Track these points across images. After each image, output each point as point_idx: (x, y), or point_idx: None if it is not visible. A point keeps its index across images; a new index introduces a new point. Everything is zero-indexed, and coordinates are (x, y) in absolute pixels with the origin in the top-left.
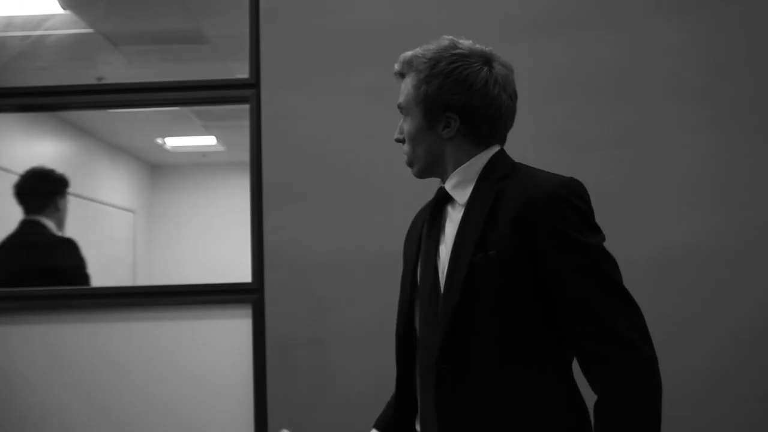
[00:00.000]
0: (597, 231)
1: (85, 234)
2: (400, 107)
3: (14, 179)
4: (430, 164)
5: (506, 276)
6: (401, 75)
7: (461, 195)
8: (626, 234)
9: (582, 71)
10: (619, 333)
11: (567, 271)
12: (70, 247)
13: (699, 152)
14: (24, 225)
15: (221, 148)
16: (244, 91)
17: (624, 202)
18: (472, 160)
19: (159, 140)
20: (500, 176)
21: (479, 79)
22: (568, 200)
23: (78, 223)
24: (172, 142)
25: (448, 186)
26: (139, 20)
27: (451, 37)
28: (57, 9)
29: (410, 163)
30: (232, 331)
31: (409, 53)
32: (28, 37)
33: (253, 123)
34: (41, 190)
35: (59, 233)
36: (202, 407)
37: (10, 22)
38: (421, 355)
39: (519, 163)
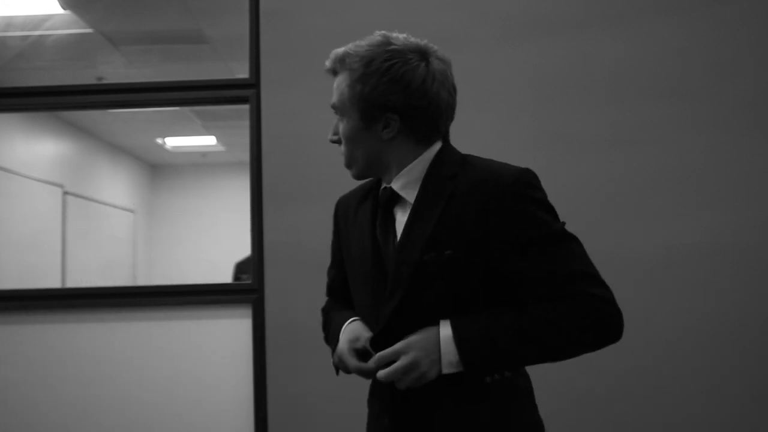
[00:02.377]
0: (556, 216)
1: (85, 234)
2: (333, 107)
3: (14, 179)
4: (369, 165)
5: (459, 274)
6: (333, 72)
7: (411, 194)
8: (626, 234)
9: (582, 71)
10: (596, 277)
11: (535, 253)
12: None
13: (699, 152)
14: None
15: (221, 148)
16: (244, 91)
17: (624, 201)
18: (417, 159)
19: (159, 140)
20: (452, 174)
21: (417, 77)
22: (527, 190)
23: (78, 223)
24: (172, 142)
25: (396, 186)
26: (139, 20)
27: (383, 32)
28: (57, 9)
29: (348, 165)
30: (232, 331)
31: (341, 50)
32: (28, 37)
33: (253, 123)
34: None
35: None
36: (202, 407)
37: (10, 22)
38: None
39: (468, 155)
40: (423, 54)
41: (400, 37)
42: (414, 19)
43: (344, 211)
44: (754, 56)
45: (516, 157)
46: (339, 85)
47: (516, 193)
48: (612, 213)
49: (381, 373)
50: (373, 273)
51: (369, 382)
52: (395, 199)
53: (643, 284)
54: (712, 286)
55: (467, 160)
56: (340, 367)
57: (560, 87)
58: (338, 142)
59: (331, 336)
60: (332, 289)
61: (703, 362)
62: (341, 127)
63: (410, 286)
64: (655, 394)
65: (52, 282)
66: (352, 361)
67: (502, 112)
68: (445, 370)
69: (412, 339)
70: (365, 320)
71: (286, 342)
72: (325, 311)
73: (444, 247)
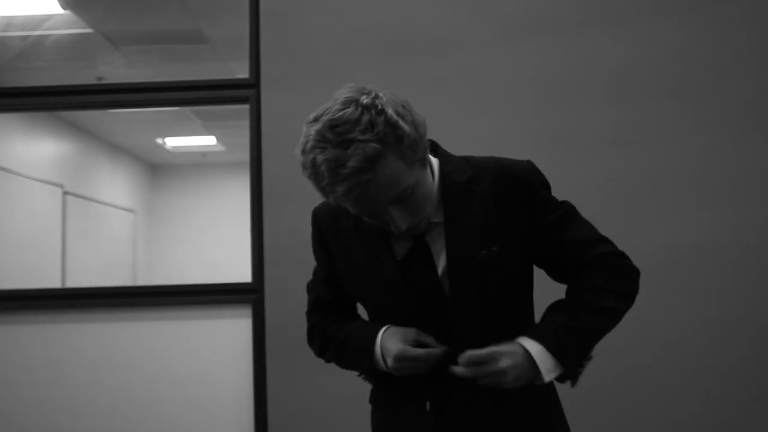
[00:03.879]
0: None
1: (85, 234)
2: (405, 191)
3: (14, 179)
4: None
5: (507, 265)
6: (367, 169)
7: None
8: (626, 234)
9: (582, 71)
10: (602, 237)
11: (560, 230)
12: None
13: (699, 152)
14: None
15: (221, 148)
16: (244, 91)
17: (624, 201)
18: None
19: (159, 140)
20: (467, 178)
21: (394, 96)
22: (538, 178)
23: (78, 223)
24: (172, 142)
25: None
26: (139, 20)
27: (332, 109)
28: (57, 9)
29: (426, 225)
30: (232, 331)
31: (351, 161)
32: (28, 37)
33: (253, 123)
34: None
35: None
36: (202, 406)
37: (10, 22)
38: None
39: (465, 156)
40: (374, 94)
41: (342, 98)
42: (414, 19)
43: (330, 222)
44: (754, 56)
45: (516, 157)
46: (391, 168)
47: (533, 184)
48: (612, 213)
49: (470, 370)
50: (395, 277)
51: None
52: None
53: (643, 284)
54: (712, 286)
55: (471, 162)
56: (401, 369)
57: (560, 87)
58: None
59: (357, 350)
60: (323, 305)
61: (703, 362)
62: (416, 198)
63: (472, 282)
64: (655, 394)
65: (52, 282)
66: (420, 351)
67: (502, 112)
68: (548, 378)
69: (502, 349)
70: (395, 322)
71: (286, 342)
72: (323, 328)
73: (490, 245)
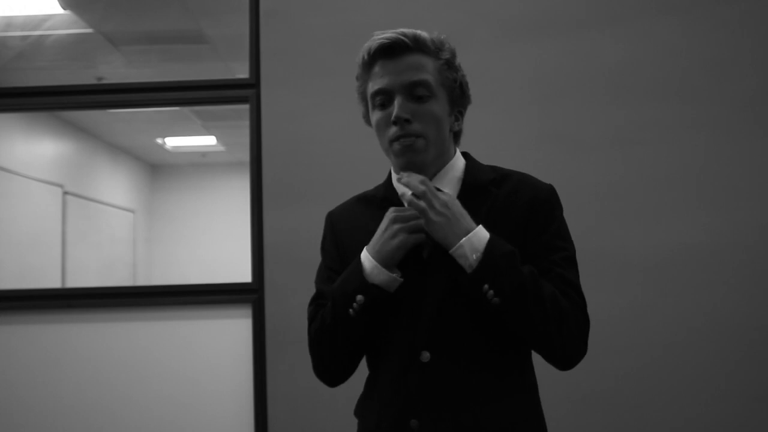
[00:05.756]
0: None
1: (85, 234)
2: (420, 84)
3: (14, 179)
4: (438, 154)
5: None
6: (408, 48)
7: (452, 192)
8: (626, 233)
9: (582, 71)
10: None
11: (549, 251)
12: None
13: (699, 152)
14: None
15: (221, 148)
16: (244, 91)
17: (624, 202)
18: (451, 162)
19: (159, 140)
20: (490, 179)
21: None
22: (557, 204)
23: (78, 223)
24: (172, 142)
25: (438, 184)
26: (139, 20)
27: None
28: (57, 9)
29: (424, 147)
30: (232, 331)
31: (419, 32)
32: (28, 37)
33: (253, 123)
34: None
35: None
36: (202, 407)
37: (10, 22)
38: (395, 345)
39: (489, 164)
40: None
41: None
42: (414, 19)
43: (344, 223)
44: (754, 56)
45: (516, 157)
46: (424, 65)
47: (551, 205)
48: (612, 213)
49: (415, 191)
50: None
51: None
52: None
53: (643, 284)
54: (712, 286)
55: (497, 169)
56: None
57: (560, 87)
58: (408, 121)
59: (341, 282)
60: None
61: (704, 362)
62: (428, 108)
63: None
64: (656, 395)
65: (52, 282)
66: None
67: (503, 113)
68: (458, 251)
69: (459, 204)
70: (392, 323)
71: (286, 342)
72: (318, 314)
73: None
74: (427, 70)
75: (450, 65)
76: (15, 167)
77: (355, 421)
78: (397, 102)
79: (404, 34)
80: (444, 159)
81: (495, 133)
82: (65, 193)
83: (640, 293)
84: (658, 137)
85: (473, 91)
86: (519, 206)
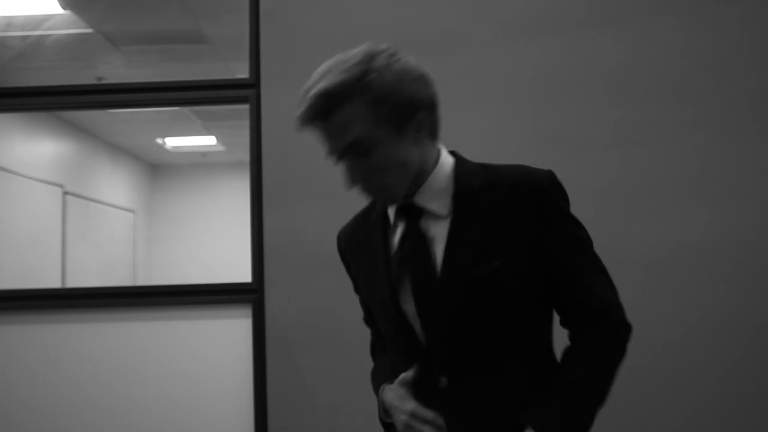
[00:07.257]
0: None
1: (85, 234)
2: (354, 143)
3: (14, 179)
4: (412, 177)
5: (507, 283)
6: (326, 111)
7: (441, 205)
8: (626, 233)
9: (582, 71)
10: (609, 301)
11: (564, 248)
12: None
13: (699, 152)
14: None
15: (221, 148)
16: (244, 91)
17: (624, 201)
18: (435, 170)
19: (159, 140)
20: (481, 185)
21: (415, 66)
22: (554, 187)
23: (78, 223)
24: (172, 142)
25: (422, 199)
26: (139, 20)
27: (336, 57)
28: (57, 9)
29: (390, 194)
30: (232, 331)
31: (329, 84)
32: (28, 37)
33: (253, 123)
34: None
35: None
36: (202, 407)
37: (10, 22)
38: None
39: (483, 164)
40: (392, 51)
41: (353, 51)
42: (414, 19)
43: (351, 243)
44: (754, 56)
45: (516, 157)
46: (350, 119)
47: (549, 192)
48: (612, 212)
49: None
50: (393, 304)
51: (367, 380)
52: (418, 214)
53: (642, 283)
54: (712, 285)
55: (488, 168)
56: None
57: (560, 87)
58: (359, 181)
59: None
60: (369, 321)
61: (703, 361)
62: (376, 160)
63: (464, 304)
64: (655, 393)
65: (52, 282)
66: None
67: (502, 112)
68: None
69: None
70: (395, 348)
71: (286, 342)
72: (372, 351)
73: (491, 259)
74: (357, 121)
75: (380, 92)
76: (15, 167)
77: (354, 422)
78: (344, 168)
79: (314, 102)
80: (424, 172)
81: (494, 132)
82: (65, 193)
83: (639, 292)
84: (658, 137)
85: (473, 90)
86: (519, 212)
